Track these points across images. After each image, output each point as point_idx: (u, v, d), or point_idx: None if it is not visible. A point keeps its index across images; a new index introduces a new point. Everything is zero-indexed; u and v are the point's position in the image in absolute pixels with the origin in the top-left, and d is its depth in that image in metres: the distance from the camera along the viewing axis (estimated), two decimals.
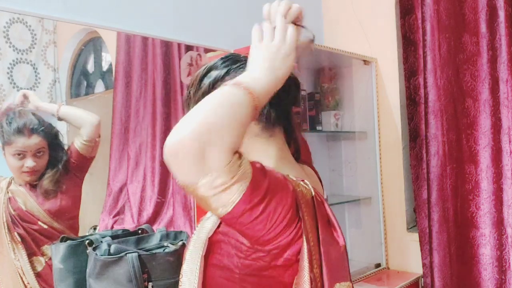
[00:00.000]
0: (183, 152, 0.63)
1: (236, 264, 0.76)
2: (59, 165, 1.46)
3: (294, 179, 0.78)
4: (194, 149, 0.63)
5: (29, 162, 1.39)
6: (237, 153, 0.67)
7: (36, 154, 1.41)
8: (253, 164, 0.70)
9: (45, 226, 1.42)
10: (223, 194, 0.65)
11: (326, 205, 0.79)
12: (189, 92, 0.88)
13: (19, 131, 1.38)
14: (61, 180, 1.46)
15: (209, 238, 0.81)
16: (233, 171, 0.65)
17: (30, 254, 1.39)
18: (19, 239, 1.37)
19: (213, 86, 0.85)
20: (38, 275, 1.39)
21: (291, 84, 0.87)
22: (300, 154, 0.97)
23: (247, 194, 0.67)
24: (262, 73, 0.73)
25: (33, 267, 1.38)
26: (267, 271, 0.74)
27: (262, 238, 0.71)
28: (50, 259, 1.40)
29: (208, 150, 0.63)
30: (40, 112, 1.44)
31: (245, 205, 0.67)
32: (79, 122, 1.51)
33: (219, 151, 0.64)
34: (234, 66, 0.86)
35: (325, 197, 0.94)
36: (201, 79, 0.87)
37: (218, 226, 0.81)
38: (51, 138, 1.45)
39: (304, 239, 0.72)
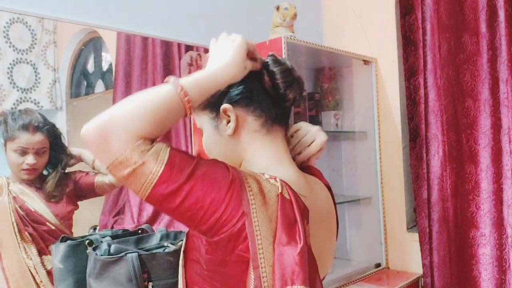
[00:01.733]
0: (89, 139, 0.71)
1: (203, 259, 0.76)
2: (59, 167, 1.46)
3: (257, 173, 0.76)
4: (96, 137, 0.70)
5: (30, 159, 1.39)
6: (148, 140, 0.71)
7: (37, 152, 1.41)
8: (173, 149, 0.72)
9: (53, 227, 1.43)
10: (137, 176, 0.69)
11: (295, 204, 0.75)
12: None
13: (24, 127, 1.39)
14: (63, 183, 1.47)
15: (186, 233, 0.82)
16: (139, 153, 0.69)
17: (40, 253, 1.40)
18: (30, 238, 1.38)
19: None
20: (48, 273, 1.40)
21: (294, 82, 0.87)
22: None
23: (165, 176, 0.69)
24: (208, 65, 0.80)
25: (44, 266, 1.40)
26: (225, 268, 0.73)
27: (200, 225, 0.71)
28: None
29: (110, 137, 0.70)
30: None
31: (165, 187, 0.69)
32: None
33: (122, 138, 0.70)
34: None
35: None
36: None
37: None
38: (53, 138, 1.46)
39: (249, 236, 0.70)
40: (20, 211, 1.38)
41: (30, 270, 1.38)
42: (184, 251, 0.82)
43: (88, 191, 1.53)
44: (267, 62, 0.88)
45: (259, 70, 0.86)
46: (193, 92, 0.74)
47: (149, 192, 0.70)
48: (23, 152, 1.39)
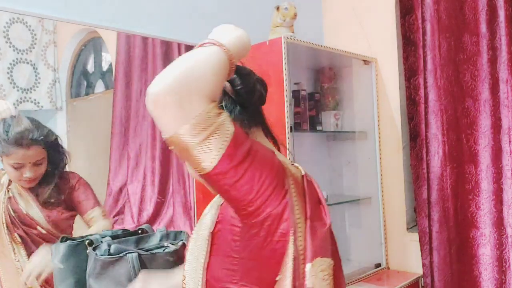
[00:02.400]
0: (163, 101, 0.67)
1: (235, 249, 0.77)
2: (55, 172, 1.43)
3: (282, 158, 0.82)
4: (172, 96, 0.67)
5: (28, 173, 1.36)
6: (215, 105, 0.70)
7: (35, 164, 1.38)
8: (234, 123, 0.73)
9: (44, 232, 1.41)
10: (205, 145, 0.68)
11: (316, 185, 0.83)
12: None
13: (18, 143, 1.33)
14: (60, 191, 1.44)
15: (211, 232, 0.82)
16: (211, 118, 0.68)
17: (30, 255, 1.38)
18: (19, 239, 1.37)
19: None
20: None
21: (255, 84, 0.89)
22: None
23: (230, 149, 0.69)
24: (224, 34, 0.78)
25: None
26: (264, 250, 0.75)
27: (250, 204, 0.72)
28: None
29: (185, 97, 0.67)
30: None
31: (229, 161, 0.69)
32: None
33: (197, 97, 0.68)
34: None
35: (325, 196, 0.95)
36: None
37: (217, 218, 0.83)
38: (51, 145, 1.41)
39: (290, 211, 0.74)
40: (12, 213, 1.37)
41: (19, 272, 1.37)
42: (207, 249, 0.82)
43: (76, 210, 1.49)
44: None
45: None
46: (233, 52, 0.75)
47: (216, 164, 0.68)
48: (20, 166, 1.36)
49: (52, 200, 1.42)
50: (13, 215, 1.37)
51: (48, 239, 1.41)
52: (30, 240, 1.39)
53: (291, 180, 0.77)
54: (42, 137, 1.38)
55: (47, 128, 1.42)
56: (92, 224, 1.48)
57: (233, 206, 0.75)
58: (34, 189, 1.42)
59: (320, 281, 0.75)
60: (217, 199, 0.87)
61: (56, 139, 1.44)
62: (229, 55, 0.74)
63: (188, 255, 0.86)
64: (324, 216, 0.80)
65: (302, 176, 0.81)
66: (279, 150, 0.96)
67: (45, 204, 1.41)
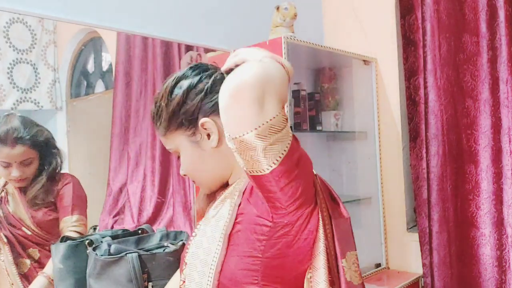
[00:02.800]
0: (246, 96, 0.66)
1: (259, 248, 0.76)
2: (44, 174, 1.40)
3: None
4: (259, 90, 0.66)
5: (15, 172, 1.34)
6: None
7: (22, 163, 1.36)
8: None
9: (29, 233, 1.39)
10: (271, 149, 0.68)
11: (327, 183, 0.85)
12: (160, 105, 0.87)
13: (1, 140, 1.31)
14: (48, 192, 1.41)
15: (228, 233, 0.80)
16: (282, 123, 0.69)
17: (17, 256, 1.37)
18: (5, 240, 1.36)
19: (187, 95, 0.84)
20: (23, 276, 1.38)
21: None
22: None
23: (289, 155, 0.70)
24: (278, 57, 0.79)
25: (18, 269, 1.37)
26: (291, 248, 0.76)
27: (291, 205, 0.73)
28: (35, 261, 1.39)
29: (267, 95, 0.67)
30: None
31: (286, 165, 0.70)
32: None
33: (275, 98, 0.68)
34: (206, 73, 0.86)
35: None
36: (171, 90, 0.85)
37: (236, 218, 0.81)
38: (41, 145, 1.39)
39: (319, 210, 0.77)
40: (0, 213, 1.36)
41: (4, 272, 1.36)
42: (221, 251, 0.80)
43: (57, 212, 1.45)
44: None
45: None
46: (290, 75, 0.77)
47: (276, 167, 0.69)
48: (7, 165, 1.34)
49: (38, 201, 1.39)
50: (1, 215, 1.36)
51: (35, 241, 1.40)
52: (16, 241, 1.37)
53: (317, 180, 0.80)
54: (29, 137, 1.35)
55: (38, 128, 1.39)
56: (62, 234, 1.40)
57: (272, 206, 0.74)
58: (24, 189, 1.40)
59: (353, 273, 0.79)
60: (229, 200, 0.83)
61: (48, 139, 1.42)
62: (289, 77, 0.76)
63: (190, 258, 0.83)
64: (343, 211, 0.84)
65: (315, 175, 0.83)
66: None
67: (31, 205, 1.39)
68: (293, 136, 0.73)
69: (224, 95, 0.68)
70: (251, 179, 0.74)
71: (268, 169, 0.69)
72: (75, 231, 1.42)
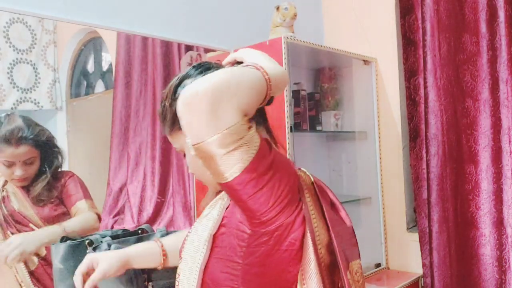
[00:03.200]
0: (198, 103, 0.65)
1: (239, 254, 0.76)
2: (48, 173, 1.43)
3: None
4: (208, 100, 0.65)
5: (18, 172, 1.36)
6: (247, 119, 0.70)
7: (25, 162, 1.38)
8: (260, 135, 0.73)
9: (36, 229, 1.40)
10: (232, 156, 0.67)
11: (327, 189, 0.83)
12: (164, 105, 0.88)
13: (7, 140, 1.33)
14: (52, 188, 1.43)
15: (213, 234, 0.81)
16: (242, 131, 0.68)
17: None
18: None
19: None
20: (31, 274, 1.39)
21: None
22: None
23: (255, 162, 0.69)
24: (269, 63, 0.78)
25: (26, 266, 1.38)
26: (271, 257, 0.74)
27: (265, 214, 0.72)
28: (43, 258, 1.40)
29: (222, 104, 0.66)
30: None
31: (252, 172, 0.69)
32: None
33: (232, 108, 0.66)
34: (209, 72, 0.86)
35: None
36: (175, 90, 0.86)
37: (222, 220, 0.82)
38: (43, 144, 1.41)
39: (306, 220, 0.75)
40: (5, 211, 1.37)
41: (13, 270, 1.36)
42: (206, 251, 0.82)
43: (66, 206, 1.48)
44: None
45: None
46: (272, 83, 0.75)
47: (241, 172, 0.68)
48: (10, 164, 1.36)
49: (43, 198, 1.42)
50: (6, 213, 1.37)
51: None
52: None
53: (305, 189, 0.78)
54: (32, 136, 1.38)
55: (40, 128, 1.41)
56: (77, 215, 1.46)
57: (247, 215, 0.75)
58: (27, 187, 1.41)
59: (356, 283, 0.78)
60: (220, 201, 0.86)
61: (49, 138, 1.44)
62: (269, 85, 0.73)
63: (184, 254, 0.85)
64: (345, 217, 0.82)
65: (312, 183, 0.82)
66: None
67: (36, 202, 1.41)
68: (264, 141, 0.72)
69: (179, 103, 0.68)
70: (221, 187, 0.74)
71: (231, 177, 0.69)
72: (96, 213, 1.49)
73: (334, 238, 0.77)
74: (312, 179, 0.82)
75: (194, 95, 0.66)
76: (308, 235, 0.74)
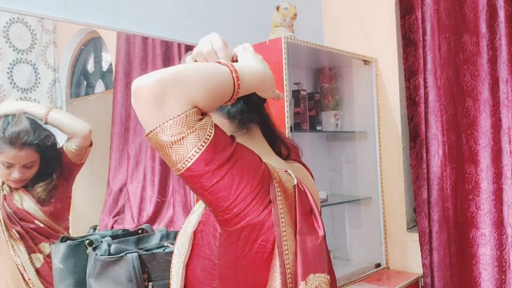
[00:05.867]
0: (145, 93, 0.67)
1: (215, 254, 0.76)
2: (53, 176, 1.44)
3: (275, 166, 0.80)
4: (154, 91, 0.66)
5: (16, 174, 1.36)
6: (200, 111, 0.69)
7: (25, 165, 1.38)
8: (217, 127, 0.72)
9: (42, 225, 1.41)
10: (181, 146, 0.67)
11: (309, 195, 0.79)
12: None
13: (11, 142, 1.34)
14: (54, 189, 1.44)
15: (194, 231, 0.82)
16: (190, 122, 0.67)
17: (29, 251, 1.39)
18: (17, 236, 1.37)
19: None
20: (37, 272, 1.39)
21: None
22: (290, 152, 0.97)
23: (208, 154, 0.68)
24: (249, 60, 0.79)
25: (32, 264, 1.39)
26: (243, 259, 0.73)
27: (227, 211, 0.71)
28: (48, 256, 1.40)
29: (168, 95, 0.66)
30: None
31: (205, 164, 0.68)
32: (69, 131, 1.45)
33: (180, 99, 0.67)
34: None
35: (325, 196, 0.94)
36: None
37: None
38: (45, 149, 1.42)
39: (274, 223, 0.72)
40: (8, 209, 1.37)
41: (18, 268, 1.37)
42: (188, 248, 0.82)
43: (68, 164, 1.47)
44: None
45: None
46: (242, 83, 0.74)
47: (190, 165, 0.68)
48: (10, 165, 1.36)
49: (45, 197, 1.42)
50: (9, 211, 1.37)
51: (47, 234, 1.41)
52: (29, 237, 1.39)
53: (278, 190, 0.74)
54: (37, 141, 1.38)
55: (46, 132, 1.41)
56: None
57: (211, 211, 0.75)
58: (27, 186, 1.41)
59: None
60: None
61: (54, 144, 1.44)
62: (237, 83, 0.73)
63: (175, 249, 0.86)
64: (317, 227, 0.77)
65: (294, 186, 0.78)
66: (279, 150, 0.95)
67: (40, 201, 1.42)
68: (219, 134, 0.71)
69: (132, 94, 0.69)
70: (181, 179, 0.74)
71: (182, 168, 0.69)
72: (72, 150, 1.47)
73: (299, 245, 0.73)
74: (295, 182, 0.79)
75: (140, 86, 0.67)
76: (276, 238, 0.72)
